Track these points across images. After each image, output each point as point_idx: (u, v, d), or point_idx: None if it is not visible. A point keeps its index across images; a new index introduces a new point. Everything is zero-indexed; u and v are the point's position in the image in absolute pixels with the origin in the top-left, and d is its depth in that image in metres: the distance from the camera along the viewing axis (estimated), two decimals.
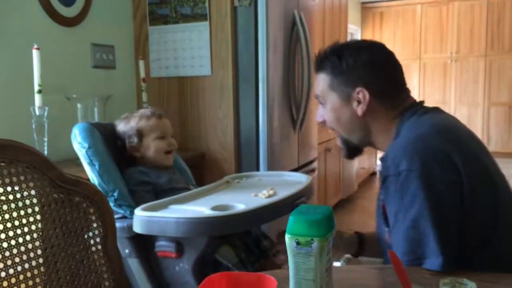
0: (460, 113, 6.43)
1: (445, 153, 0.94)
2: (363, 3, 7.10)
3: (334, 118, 1.14)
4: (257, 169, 2.29)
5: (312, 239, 0.73)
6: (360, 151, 1.19)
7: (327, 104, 1.14)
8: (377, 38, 7.04)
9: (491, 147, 6.36)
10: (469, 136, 1.05)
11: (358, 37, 7.04)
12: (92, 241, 0.96)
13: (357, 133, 1.14)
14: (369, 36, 7.11)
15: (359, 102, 1.09)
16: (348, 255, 1.10)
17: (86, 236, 0.95)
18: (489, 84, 6.52)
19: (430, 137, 0.98)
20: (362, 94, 1.08)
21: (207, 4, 2.27)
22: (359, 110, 1.09)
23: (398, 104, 1.10)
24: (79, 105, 1.94)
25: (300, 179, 1.63)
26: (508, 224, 0.98)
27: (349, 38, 5.39)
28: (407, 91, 1.14)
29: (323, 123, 1.19)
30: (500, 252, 0.97)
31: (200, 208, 1.29)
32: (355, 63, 1.09)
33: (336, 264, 1.08)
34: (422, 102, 1.14)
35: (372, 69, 1.09)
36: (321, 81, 1.15)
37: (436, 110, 1.12)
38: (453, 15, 6.64)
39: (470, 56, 6.59)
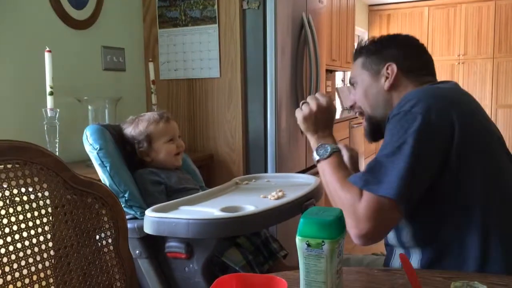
0: None
1: (448, 110, 0.97)
2: (370, 5, 7.09)
3: (363, 95, 1.19)
4: (265, 171, 2.30)
5: (323, 241, 0.73)
6: (383, 133, 1.19)
7: (358, 84, 1.20)
8: None
9: None
10: (485, 115, 1.08)
11: (365, 39, 7.01)
12: (104, 242, 0.97)
13: (381, 109, 1.16)
14: None
15: (387, 77, 1.14)
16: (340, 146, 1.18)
17: (98, 237, 0.96)
18: (497, 86, 6.48)
19: (442, 90, 1.04)
20: (390, 69, 1.13)
21: (216, 7, 2.28)
22: (386, 84, 1.14)
23: (424, 82, 1.13)
24: (90, 107, 1.96)
25: (308, 181, 1.63)
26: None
27: (356, 41, 5.38)
28: (435, 78, 1.18)
29: (352, 107, 1.24)
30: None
31: (209, 209, 1.30)
32: (388, 43, 1.17)
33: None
34: (452, 82, 1.16)
35: (404, 49, 1.17)
36: (356, 65, 1.21)
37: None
38: (460, 18, 6.61)
39: (477, 58, 6.55)
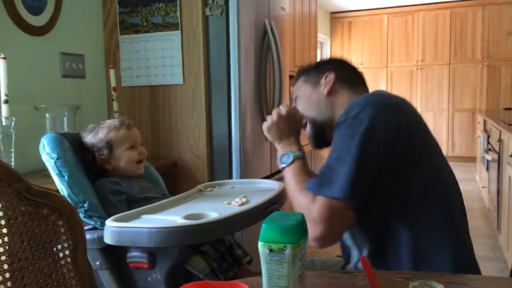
0: (426, 119, 6.60)
1: (399, 113, 1.05)
2: (332, 13, 7.24)
3: (305, 103, 1.28)
4: (230, 177, 2.29)
5: (285, 246, 0.74)
6: (328, 141, 1.23)
7: (300, 96, 1.30)
8: (345, 47, 7.19)
9: (456, 152, 6.57)
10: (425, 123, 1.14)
11: (327, 46, 7.16)
12: (61, 254, 0.94)
13: (323, 113, 1.25)
14: (338, 45, 7.24)
15: (325, 83, 1.24)
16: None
17: (55, 249, 0.93)
18: (453, 91, 6.75)
19: (388, 94, 1.13)
20: (329, 77, 1.24)
21: (178, 13, 2.27)
22: (325, 90, 1.24)
23: (359, 91, 1.24)
24: (47, 115, 1.90)
25: (272, 186, 1.64)
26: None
27: (319, 47, 5.47)
28: (368, 89, 1.30)
29: None
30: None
31: (172, 217, 1.28)
32: (325, 61, 1.32)
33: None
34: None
35: (340, 63, 1.31)
36: (297, 84, 1.33)
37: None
38: (418, 25, 6.85)
39: (434, 64, 6.81)
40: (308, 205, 1.03)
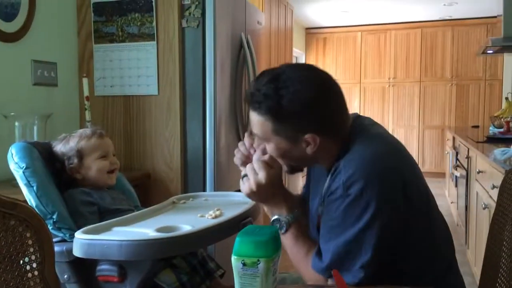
0: (398, 135, 6.75)
1: (401, 176, 0.99)
2: (307, 28, 7.35)
3: (280, 156, 1.11)
4: (204, 189, 2.28)
5: (258, 260, 0.74)
6: (302, 169, 1.23)
7: (271, 144, 1.09)
8: (320, 62, 7.29)
9: (426, 168, 6.72)
10: (410, 156, 1.11)
11: (302, 60, 7.26)
12: (28, 267, 0.91)
13: (305, 164, 1.18)
14: (313, 60, 7.35)
15: (307, 143, 1.05)
16: (297, 211, 1.13)
17: (22, 261, 0.90)
18: (423, 108, 6.93)
19: (386, 156, 1.02)
20: (312, 139, 1.04)
21: (154, 24, 2.26)
22: (309, 150, 1.06)
23: (344, 130, 1.09)
24: (17, 123, 1.85)
25: (246, 199, 1.63)
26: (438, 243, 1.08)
27: (294, 61, 5.53)
28: (348, 114, 1.12)
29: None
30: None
31: (144, 230, 1.26)
32: (299, 108, 1.02)
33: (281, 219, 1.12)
34: (355, 115, 1.16)
35: (318, 112, 1.03)
36: (261, 125, 1.07)
37: (371, 120, 1.17)
38: (390, 43, 7.04)
39: (406, 82, 6.99)
40: (320, 278, 1.02)
